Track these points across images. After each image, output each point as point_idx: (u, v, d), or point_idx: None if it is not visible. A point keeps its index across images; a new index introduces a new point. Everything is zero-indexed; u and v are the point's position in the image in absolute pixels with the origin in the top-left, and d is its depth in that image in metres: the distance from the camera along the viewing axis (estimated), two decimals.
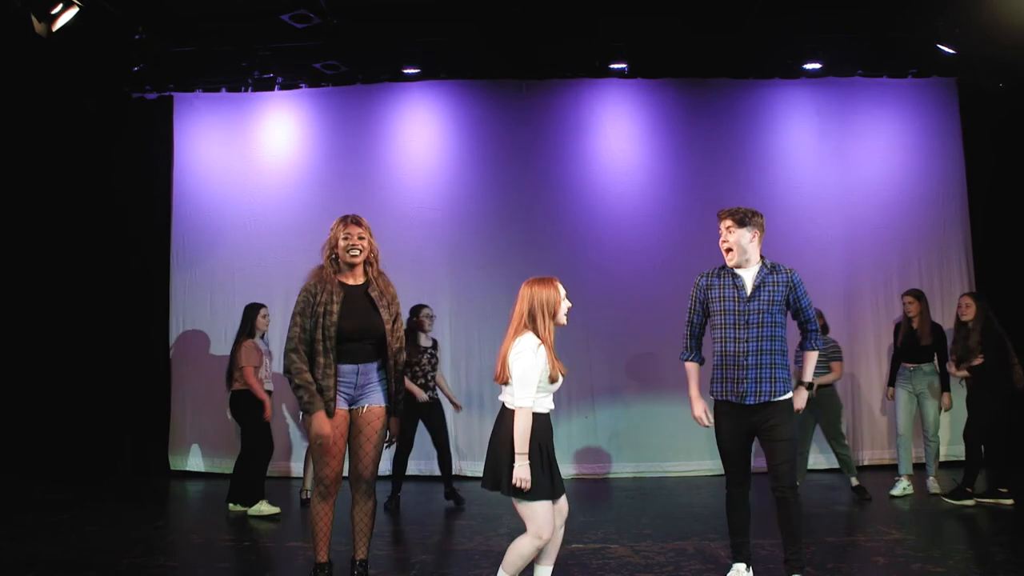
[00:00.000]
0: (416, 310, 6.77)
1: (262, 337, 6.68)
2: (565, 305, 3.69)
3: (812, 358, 4.18)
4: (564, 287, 3.72)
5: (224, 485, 6.80)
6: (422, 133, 8.55)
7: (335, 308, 3.94)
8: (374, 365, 4.06)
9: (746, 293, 4.00)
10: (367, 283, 4.10)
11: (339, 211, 8.09)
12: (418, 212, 8.37)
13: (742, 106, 8.47)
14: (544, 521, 3.57)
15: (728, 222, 4.05)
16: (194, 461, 8.26)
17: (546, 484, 3.57)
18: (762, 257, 4.09)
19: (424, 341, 6.71)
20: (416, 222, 8.35)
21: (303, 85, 8.39)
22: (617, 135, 8.51)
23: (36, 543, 5.36)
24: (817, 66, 8.11)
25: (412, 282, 8.03)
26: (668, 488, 7.21)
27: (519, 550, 3.61)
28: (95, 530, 5.73)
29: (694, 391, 4.23)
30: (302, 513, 6.31)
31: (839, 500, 6.62)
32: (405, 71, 8.10)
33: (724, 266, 4.12)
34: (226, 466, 8.16)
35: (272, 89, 8.37)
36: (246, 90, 8.39)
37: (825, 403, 6.65)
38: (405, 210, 8.37)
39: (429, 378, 6.64)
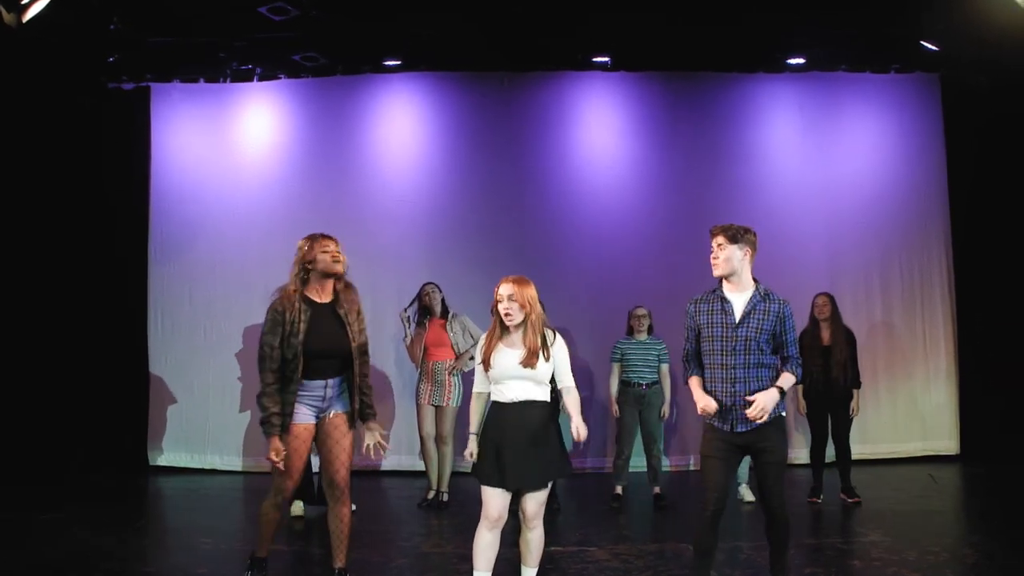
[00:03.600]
0: None
1: None
2: (500, 307, 3.90)
3: (789, 378, 3.92)
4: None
5: (204, 479, 6.77)
6: (403, 125, 8.47)
7: (302, 327, 3.97)
8: (340, 378, 4.15)
9: (735, 319, 3.86)
10: (335, 300, 4.14)
11: (319, 203, 8.24)
12: (398, 204, 8.32)
13: (725, 99, 8.45)
14: (485, 504, 3.85)
15: (720, 238, 3.89)
16: (173, 456, 8.21)
17: (488, 470, 3.83)
18: (756, 281, 3.94)
19: None
20: (396, 214, 8.29)
21: (282, 76, 8.29)
22: (599, 128, 8.47)
23: (7, 547, 5.30)
24: (801, 60, 8.09)
25: (392, 275, 8.04)
26: (646, 484, 7.13)
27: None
28: (72, 532, 5.67)
29: (698, 393, 3.99)
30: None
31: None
32: (386, 63, 8.01)
33: (715, 290, 3.99)
34: (207, 461, 8.15)
35: (251, 80, 8.28)
36: (224, 81, 8.29)
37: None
38: (385, 202, 8.32)
39: None
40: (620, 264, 8.11)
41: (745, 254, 3.89)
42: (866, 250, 8.35)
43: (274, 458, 3.96)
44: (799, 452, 8.02)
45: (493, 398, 3.96)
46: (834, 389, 6.45)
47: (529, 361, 3.84)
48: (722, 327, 3.88)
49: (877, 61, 8.23)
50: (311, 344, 3.98)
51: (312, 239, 4.15)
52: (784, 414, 3.95)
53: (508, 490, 3.85)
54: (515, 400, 3.87)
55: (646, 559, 4.92)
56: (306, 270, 4.08)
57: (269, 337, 3.96)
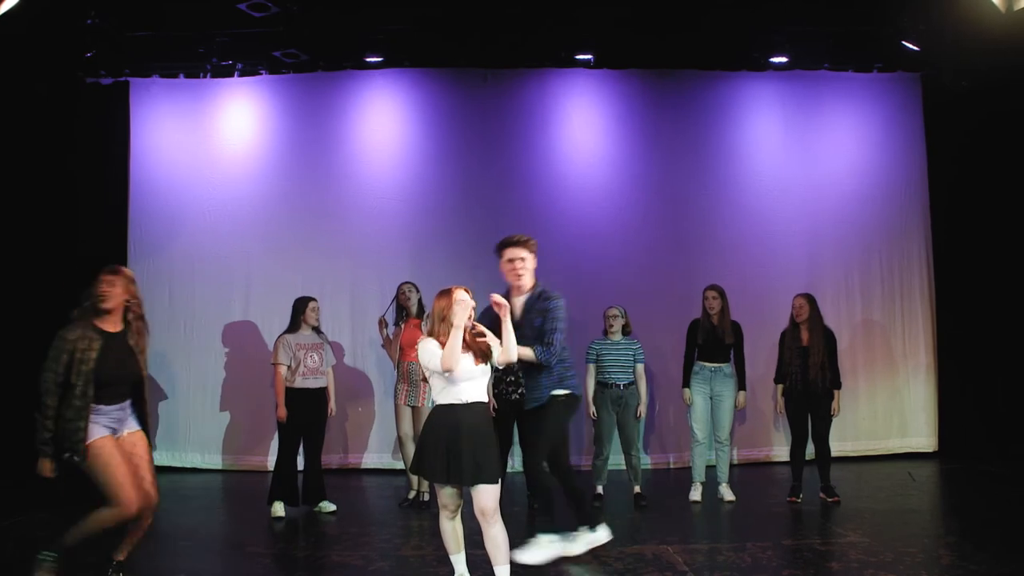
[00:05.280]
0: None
1: (315, 330, 6.48)
2: (459, 309, 4.03)
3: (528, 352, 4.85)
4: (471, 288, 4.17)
5: (184, 478, 6.71)
6: (385, 121, 8.42)
7: (92, 355, 4.16)
8: (129, 400, 4.40)
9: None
10: (125, 329, 4.37)
11: (300, 200, 8.20)
12: (380, 201, 8.28)
13: (708, 98, 8.45)
14: (441, 499, 4.16)
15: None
16: (153, 455, 8.07)
17: (436, 467, 4.01)
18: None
19: None
20: (378, 211, 8.26)
21: (263, 72, 8.22)
22: (582, 126, 8.45)
23: None
24: (783, 59, 8.10)
25: (373, 272, 8.01)
26: (625, 482, 7.09)
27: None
28: (47, 536, 5.59)
29: None
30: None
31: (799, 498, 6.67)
32: (367, 59, 7.95)
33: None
34: (187, 460, 8.09)
35: (231, 75, 8.20)
36: (204, 76, 8.20)
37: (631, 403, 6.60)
38: (367, 199, 8.28)
39: (521, 376, 6.23)
40: (602, 262, 8.11)
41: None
42: (847, 248, 8.39)
43: (50, 474, 4.19)
44: (779, 451, 8.08)
45: (444, 400, 4.08)
46: (813, 390, 6.50)
47: (484, 358, 4.13)
48: None
49: (859, 60, 8.26)
50: (103, 371, 4.18)
51: (98, 277, 4.43)
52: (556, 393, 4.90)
53: (464, 485, 4.05)
54: (470, 401, 4.07)
55: (625, 560, 4.92)
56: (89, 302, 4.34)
57: (52, 364, 4.13)
